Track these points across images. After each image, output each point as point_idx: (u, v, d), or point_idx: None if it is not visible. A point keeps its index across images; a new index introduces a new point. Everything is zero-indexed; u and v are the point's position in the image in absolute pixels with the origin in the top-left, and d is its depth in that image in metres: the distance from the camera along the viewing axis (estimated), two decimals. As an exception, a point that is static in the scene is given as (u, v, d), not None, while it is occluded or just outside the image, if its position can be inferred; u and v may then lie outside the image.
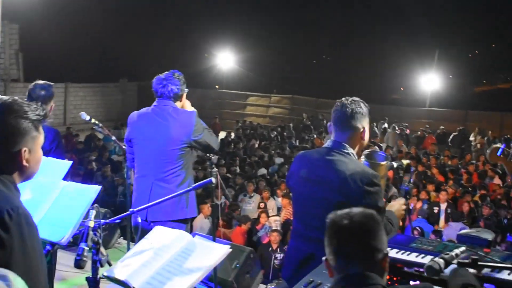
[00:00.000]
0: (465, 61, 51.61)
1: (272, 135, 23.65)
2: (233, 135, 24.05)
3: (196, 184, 3.70)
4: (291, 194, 3.84)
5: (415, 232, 9.96)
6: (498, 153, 2.79)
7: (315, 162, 3.58)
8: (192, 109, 4.98)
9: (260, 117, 31.24)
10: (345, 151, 3.49)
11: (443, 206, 12.30)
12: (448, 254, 2.54)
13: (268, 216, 10.91)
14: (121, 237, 7.72)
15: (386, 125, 25.52)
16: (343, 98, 3.59)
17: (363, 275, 2.23)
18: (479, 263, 2.50)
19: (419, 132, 24.95)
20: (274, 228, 10.33)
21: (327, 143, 3.62)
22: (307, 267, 3.47)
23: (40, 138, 2.37)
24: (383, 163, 3.77)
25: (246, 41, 38.78)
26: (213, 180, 3.59)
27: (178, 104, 4.83)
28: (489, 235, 3.28)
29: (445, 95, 33.15)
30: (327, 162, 3.49)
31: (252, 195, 12.43)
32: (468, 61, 54.82)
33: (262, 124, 28.85)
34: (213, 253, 3.00)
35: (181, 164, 4.69)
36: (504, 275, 2.88)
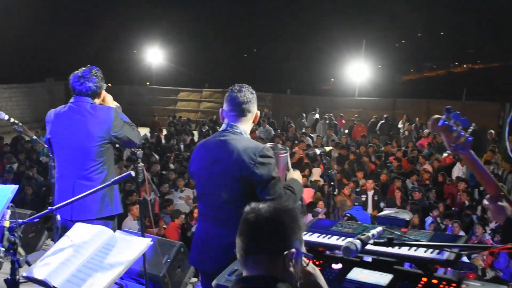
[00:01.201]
0: (393, 51, 52.89)
1: (204, 130, 23.58)
2: (165, 131, 23.83)
3: (116, 178, 3.65)
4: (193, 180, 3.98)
5: (345, 219, 10.12)
6: (439, 124, 2.84)
7: (211, 145, 3.77)
8: (115, 104, 4.92)
9: (192, 112, 31.09)
10: (237, 130, 3.71)
11: (370, 193, 12.58)
12: (364, 234, 2.59)
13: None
14: (49, 239, 7.53)
15: (317, 115, 25.85)
16: (236, 85, 3.82)
17: (263, 277, 2.10)
18: (394, 242, 2.56)
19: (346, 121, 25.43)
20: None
21: (222, 126, 3.82)
22: (212, 247, 3.64)
23: None
24: (284, 155, 3.95)
25: (175, 36, 38.54)
26: (133, 173, 3.54)
27: (96, 100, 4.76)
28: (407, 216, 3.38)
29: (374, 85, 33.84)
30: (221, 142, 3.68)
31: (183, 189, 12.38)
32: (396, 50, 56.21)
33: (194, 119, 28.76)
34: (134, 247, 2.97)
35: (102, 161, 4.63)
36: (421, 253, 2.97)
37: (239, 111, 3.74)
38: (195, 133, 24.67)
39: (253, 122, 3.85)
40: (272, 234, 2.11)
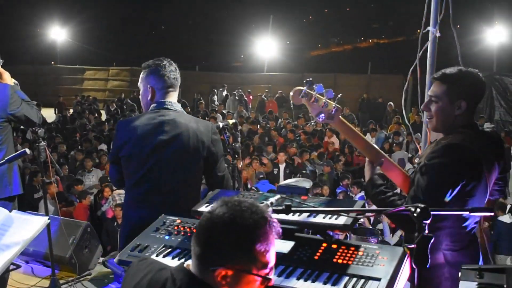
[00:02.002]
0: (301, 27, 53.49)
1: (112, 109, 23.13)
2: (71, 111, 23.21)
3: (10, 156, 3.53)
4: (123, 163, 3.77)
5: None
6: (300, 95, 2.92)
7: (152, 124, 3.63)
8: (12, 81, 4.74)
9: (99, 91, 30.41)
10: (178, 108, 3.69)
11: (282, 166, 12.77)
12: (263, 202, 2.63)
13: (112, 190, 10.70)
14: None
15: (225, 92, 25.91)
16: (164, 60, 3.71)
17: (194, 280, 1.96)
18: (293, 209, 2.61)
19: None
20: (118, 202, 10.16)
21: (153, 105, 3.70)
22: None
23: None
24: None
25: (79, 13, 37.34)
26: (28, 151, 3.44)
27: None
28: (307, 184, 3.45)
29: (283, 60, 34.20)
30: (168, 122, 3.60)
31: (91, 169, 12.12)
32: (303, 26, 56.89)
33: (102, 98, 28.17)
34: (30, 226, 2.90)
35: (0, 140, 4.47)
36: (319, 219, 3.05)
37: (173, 86, 3.71)
38: (103, 112, 24.16)
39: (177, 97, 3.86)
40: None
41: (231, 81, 27.84)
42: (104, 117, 22.31)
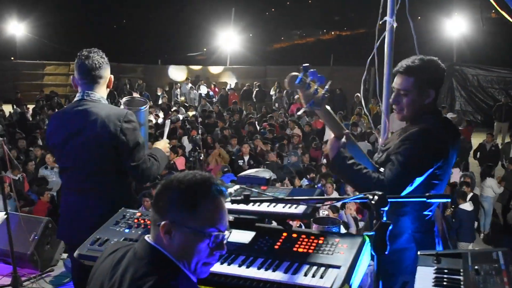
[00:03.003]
0: (263, 19, 53.51)
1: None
2: (31, 107, 22.78)
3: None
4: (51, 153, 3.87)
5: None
6: (296, 82, 2.92)
7: (70, 115, 3.65)
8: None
9: (61, 86, 29.92)
10: (94, 98, 3.66)
11: (246, 158, 12.81)
12: (222, 193, 2.62)
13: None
14: None
15: (189, 85, 25.79)
16: (84, 51, 3.71)
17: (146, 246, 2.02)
18: (252, 198, 2.62)
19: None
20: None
21: (77, 95, 3.73)
22: (83, 220, 3.56)
23: None
24: (144, 108, 3.92)
25: (38, 7, 36.68)
26: (-17, 146, 3.38)
27: None
28: (267, 174, 3.47)
29: (246, 53, 34.16)
30: (81, 112, 3.59)
31: (53, 166, 11.93)
32: (266, 19, 56.91)
33: (63, 93, 27.73)
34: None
35: None
36: (279, 209, 3.07)
37: (90, 78, 3.67)
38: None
39: (107, 87, 3.78)
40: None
41: (194, 74, 27.73)
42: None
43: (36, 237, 5.54)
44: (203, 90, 24.65)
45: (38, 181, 11.04)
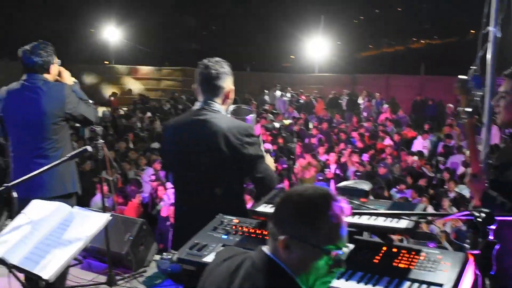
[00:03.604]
0: (351, 27, 53.01)
1: (166, 108, 23.37)
2: (124, 109, 23.53)
3: (72, 153, 3.58)
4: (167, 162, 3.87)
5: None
6: (468, 86, 2.86)
7: (189, 124, 3.65)
8: (72, 80, 4.83)
9: (152, 90, 30.77)
10: (214, 108, 3.62)
11: (333, 167, 12.70)
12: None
13: (166, 189, 10.80)
14: (9, 219, 7.39)
15: (278, 92, 25.88)
16: (205, 60, 3.69)
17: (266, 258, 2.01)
18: (353, 211, 2.58)
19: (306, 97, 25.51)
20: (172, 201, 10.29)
21: (196, 104, 3.71)
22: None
23: None
24: (250, 117, 3.90)
25: (132, 13, 37.81)
26: (89, 148, 3.48)
27: (48, 76, 4.65)
28: (366, 186, 3.40)
29: (333, 61, 33.96)
30: (201, 122, 3.57)
31: (144, 168, 12.26)
32: (354, 27, 56.36)
33: (154, 97, 28.49)
34: (92, 222, 2.94)
35: (57, 139, 4.54)
36: (380, 222, 3.00)
37: (210, 87, 3.65)
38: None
39: (227, 97, 3.73)
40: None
41: (281, 82, 27.78)
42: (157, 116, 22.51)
43: (131, 238, 5.66)
44: (290, 97, 24.64)
45: (131, 183, 11.35)
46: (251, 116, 3.92)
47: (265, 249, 2.03)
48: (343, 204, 1.98)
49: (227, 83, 3.68)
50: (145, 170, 12.19)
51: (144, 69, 32.37)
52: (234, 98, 3.78)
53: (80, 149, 3.40)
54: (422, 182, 11.58)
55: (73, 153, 3.53)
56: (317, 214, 1.92)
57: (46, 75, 4.62)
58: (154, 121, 19.32)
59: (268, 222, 2.05)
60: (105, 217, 2.96)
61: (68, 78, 4.81)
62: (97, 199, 10.13)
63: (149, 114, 21.54)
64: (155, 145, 15.38)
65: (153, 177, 11.56)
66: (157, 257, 6.00)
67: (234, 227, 3.25)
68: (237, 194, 3.71)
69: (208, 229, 3.26)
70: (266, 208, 3.28)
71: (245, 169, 3.61)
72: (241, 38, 44.96)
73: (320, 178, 12.02)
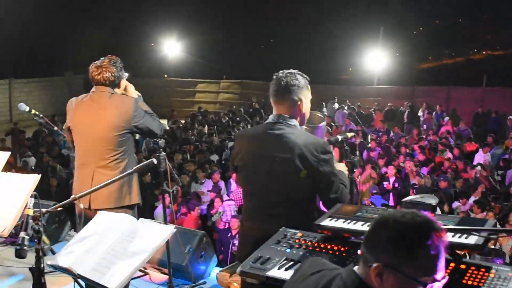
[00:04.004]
0: (410, 39, 52.35)
1: (224, 121, 23.55)
2: (182, 122, 23.81)
3: (138, 166, 3.62)
4: (236, 174, 3.84)
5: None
6: None
7: (262, 138, 3.59)
8: (136, 93, 4.91)
9: (210, 103, 31.08)
10: (291, 123, 3.53)
11: (392, 179, 12.50)
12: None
13: (222, 201, 10.87)
14: (72, 230, 7.56)
15: (336, 104, 25.74)
16: (280, 72, 3.62)
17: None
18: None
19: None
20: (233, 213, 10.36)
21: (270, 117, 3.64)
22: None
23: None
24: (322, 125, 3.84)
25: (192, 27, 38.40)
26: (155, 161, 3.51)
27: (117, 90, 4.75)
28: (432, 200, 3.32)
29: (392, 73, 33.54)
30: (276, 136, 3.51)
31: (203, 181, 12.36)
32: (413, 38, 55.64)
33: (213, 110, 28.76)
34: (158, 234, 2.96)
35: (123, 150, 4.61)
36: (448, 238, 2.91)
37: (284, 100, 3.57)
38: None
39: (301, 109, 3.62)
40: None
41: (340, 94, 27.61)
42: (215, 128, 22.69)
43: (191, 250, 5.71)
44: (348, 109, 24.46)
45: (191, 196, 11.44)
46: (323, 124, 3.86)
47: (356, 270, 1.96)
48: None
49: (301, 95, 3.59)
50: (204, 183, 12.28)
51: (203, 82, 32.75)
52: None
53: (147, 162, 3.43)
54: (485, 196, 11.28)
55: (139, 165, 3.57)
56: (415, 243, 1.81)
57: (115, 89, 4.72)
58: (213, 134, 19.47)
59: (361, 246, 1.96)
60: (170, 229, 2.98)
61: (132, 92, 4.89)
62: (159, 211, 10.26)
63: (207, 127, 21.75)
64: (214, 157, 15.50)
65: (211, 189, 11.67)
66: (217, 269, 6.03)
67: (297, 240, 3.22)
68: (307, 211, 3.61)
69: (271, 242, 3.24)
70: (331, 222, 3.24)
71: (319, 187, 3.53)
72: (298, 50, 44.96)
73: (374, 191, 11.86)
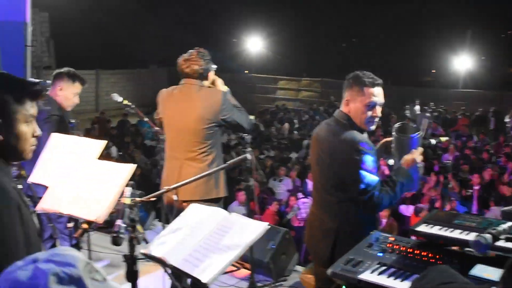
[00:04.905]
0: (498, 42, 50.55)
1: (303, 119, 23.48)
2: (252, 117, 23.85)
3: (232, 160, 3.63)
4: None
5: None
6: None
7: (321, 134, 3.81)
8: (225, 88, 4.93)
9: (290, 100, 31.06)
10: (343, 121, 3.70)
11: (476, 187, 12.07)
12: (495, 229, 2.43)
13: (297, 199, 10.82)
14: (156, 219, 7.70)
15: (417, 107, 25.17)
16: (357, 72, 3.76)
17: None
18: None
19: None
20: (303, 210, 10.31)
21: (336, 112, 3.85)
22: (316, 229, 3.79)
23: (23, 113, 2.25)
24: (416, 136, 3.73)
25: (274, 24, 38.44)
26: (249, 156, 3.50)
27: (205, 82, 4.78)
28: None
29: (478, 76, 32.55)
30: (330, 131, 3.73)
31: (282, 178, 12.34)
32: (502, 41, 53.73)
33: (292, 107, 28.72)
34: (251, 230, 2.94)
35: (210, 143, 4.64)
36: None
37: (344, 97, 3.76)
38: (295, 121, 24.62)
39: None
40: None
41: (423, 96, 26.95)
42: (295, 126, 22.66)
43: (273, 246, 5.71)
44: (432, 112, 23.86)
45: (266, 192, 11.46)
46: (417, 135, 3.74)
47: None
48: None
49: (352, 95, 3.73)
50: (283, 180, 12.26)
51: (284, 79, 32.77)
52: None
53: (241, 157, 3.45)
54: None
55: (233, 160, 3.59)
56: None
57: (203, 81, 4.75)
58: (293, 131, 19.44)
59: (500, 282, 1.87)
60: (263, 225, 2.96)
61: (221, 86, 4.92)
62: (235, 205, 10.32)
63: (287, 124, 21.74)
64: (293, 155, 15.47)
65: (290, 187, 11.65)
66: (298, 267, 6.00)
67: (389, 245, 3.15)
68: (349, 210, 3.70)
69: (363, 245, 3.19)
70: (427, 228, 3.16)
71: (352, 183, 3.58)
72: (381, 50, 44.29)
73: (453, 198, 11.45)
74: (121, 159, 14.34)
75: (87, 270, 1.36)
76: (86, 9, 31.11)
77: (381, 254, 3.08)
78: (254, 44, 36.08)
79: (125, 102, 5.87)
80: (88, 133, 16.67)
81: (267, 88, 32.32)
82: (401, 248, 3.10)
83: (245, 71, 36.63)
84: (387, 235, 3.27)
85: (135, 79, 31.14)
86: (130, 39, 36.54)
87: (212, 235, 2.99)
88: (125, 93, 29.24)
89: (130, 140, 16.90)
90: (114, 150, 15.57)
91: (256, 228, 2.94)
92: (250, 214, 5.08)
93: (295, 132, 19.36)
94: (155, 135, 5.98)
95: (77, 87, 5.49)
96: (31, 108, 2.27)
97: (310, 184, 12.12)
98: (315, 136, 3.85)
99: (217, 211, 3.18)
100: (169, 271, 3.07)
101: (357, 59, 41.17)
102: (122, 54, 34.07)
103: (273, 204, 10.63)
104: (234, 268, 5.78)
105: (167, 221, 5.04)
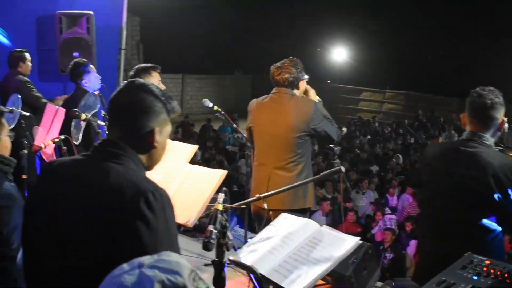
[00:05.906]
0: None
1: (386, 131, 23.09)
2: (345, 130, 23.71)
3: (325, 172, 3.58)
4: (417, 188, 3.86)
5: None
6: None
7: (453, 154, 3.51)
8: (317, 98, 4.93)
9: (374, 112, 30.60)
10: (486, 142, 3.45)
11: None
12: None
13: (383, 214, 10.66)
14: (237, 225, 7.73)
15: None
16: (479, 88, 3.54)
17: None
18: None
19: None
20: (388, 226, 10.10)
21: (464, 134, 3.56)
22: (442, 265, 3.34)
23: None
24: None
25: (360, 35, 38.12)
26: (343, 169, 3.45)
27: (296, 91, 4.78)
28: None
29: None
30: (468, 154, 3.41)
31: (364, 191, 12.18)
32: None
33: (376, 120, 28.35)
34: (343, 244, 2.92)
35: (300, 153, 4.64)
36: None
37: (484, 117, 3.50)
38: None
39: (499, 129, 3.56)
40: None
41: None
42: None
43: (356, 260, 5.61)
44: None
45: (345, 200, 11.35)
46: None
47: None
48: None
49: (501, 114, 3.52)
50: (365, 193, 12.11)
51: (367, 91, 32.38)
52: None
53: (334, 169, 3.38)
54: None
55: (326, 172, 3.53)
56: None
57: (295, 90, 4.76)
58: (375, 144, 19.17)
59: None
60: (355, 240, 2.93)
61: (313, 96, 4.92)
62: (317, 215, 10.28)
63: (369, 136, 21.47)
64: (374, 168, 15.24)
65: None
66: (379, 284, 5.87)
67: (485, 268, 3.02)
68: (474, 236, 3.46)
69: (456, 267, 3.08)
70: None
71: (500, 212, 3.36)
72: (468, 62, 42.96)
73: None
74: (205, 163, 14.53)
75: (192, 278, 1.37)
76: (175, 14, 31.76)
77: (476, 278, 2.96)
78: (339, 54, 35.86)
79: (216, 108, 5.94)
80: (173, 137, 17.00)
81: (349, 99, 32.01)
82: (497, 273, 2.97)
83: (327, 81, 36.43)
84: (483, 258, 3.14)
85: (220, 84, 31.58)
86: (217, 45, 37.07)
87: (303, 247, 2.97)
88: (208, 98, 29.67)
89: (212, 144, 17.12)
90: (198, 154, 15.80)
91: (348, 243, 2.91)
92: (334, 224, 5.03)
93: (378, 145, 19.07)
94: (236, 140, 6.05)
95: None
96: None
97: (391, 200, 11.93)
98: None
99: (308, 223, 3.17)
100: (254, 279, 3.07)
101: (443, 73, 40.17)
102: (208, 60, 34.60)
103: (349, 214, 10.54)
104: (322, 282, 5.72)
105: (252, 229, 5.06)
